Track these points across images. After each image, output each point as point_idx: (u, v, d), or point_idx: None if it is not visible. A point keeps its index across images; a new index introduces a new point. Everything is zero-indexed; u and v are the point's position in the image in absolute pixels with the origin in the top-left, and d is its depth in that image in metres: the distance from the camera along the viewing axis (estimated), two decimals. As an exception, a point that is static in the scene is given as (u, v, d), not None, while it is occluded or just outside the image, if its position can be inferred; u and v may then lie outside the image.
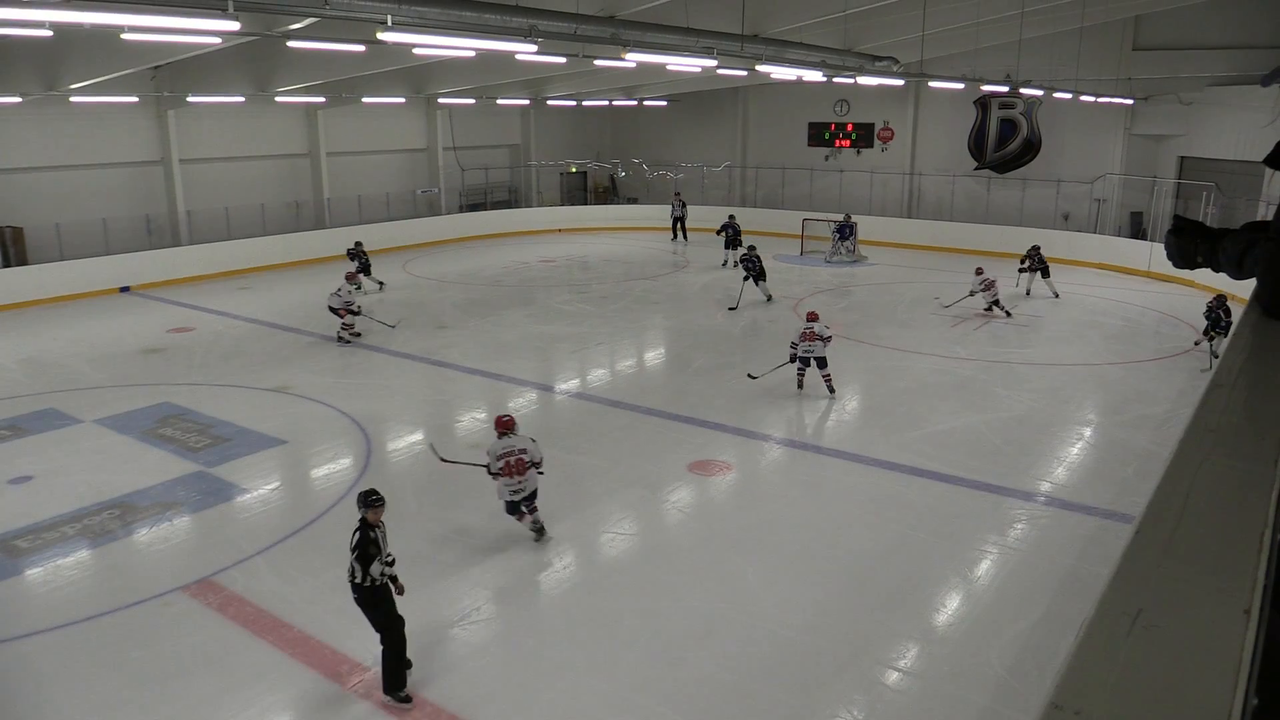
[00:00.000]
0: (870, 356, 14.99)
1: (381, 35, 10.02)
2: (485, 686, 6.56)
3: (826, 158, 30.05)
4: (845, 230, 24.50)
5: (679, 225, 28.20)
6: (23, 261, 21.63)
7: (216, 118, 25.13)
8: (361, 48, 15.57)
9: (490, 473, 8.44)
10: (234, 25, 8.67)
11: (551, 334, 16.99)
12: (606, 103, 31.93)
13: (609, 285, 21.51)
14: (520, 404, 13.20)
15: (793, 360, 12.89)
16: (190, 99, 22.75)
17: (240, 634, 7.26)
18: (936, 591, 7.88)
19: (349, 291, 16.64)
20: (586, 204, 34.13)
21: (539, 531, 8.72)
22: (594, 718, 6.25)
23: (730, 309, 18.46)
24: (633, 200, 33.28)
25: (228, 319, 18.93)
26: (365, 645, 7.00)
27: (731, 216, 24.12)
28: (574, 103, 31.59)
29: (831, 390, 12.76)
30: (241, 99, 23.15)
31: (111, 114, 22.98)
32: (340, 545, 8.74)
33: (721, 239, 23.60)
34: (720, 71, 17.07)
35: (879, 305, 19.15)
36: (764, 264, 18.95)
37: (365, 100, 25.61)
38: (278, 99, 23.92)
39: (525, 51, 12.21)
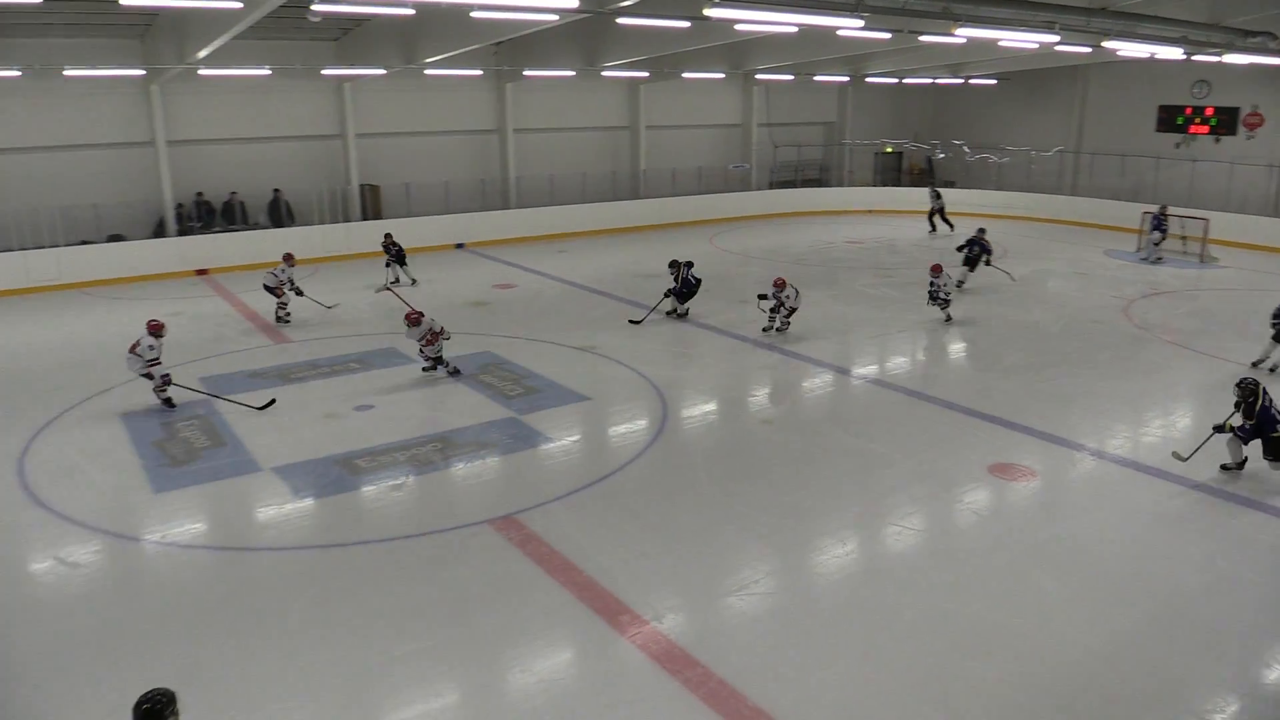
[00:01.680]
0: (1210, 370, 13.40)
1: (708, 11, 10.19)
2: (757, 658, 6.60)
3: (1178, 145, 27.01)
4: (1159, 221, 21.91)
5: (938, 217, 26.41)
6: (378, 215, 24.34)
7: (547, 91, 26.77)
8: (686, 24, 15.93)
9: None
10: (572, 3, 9.14)
11: (852, 316, 16.67)
12: (929, 81, 30.66)
13: (917, 271, 20.72)
14: (814, 384, 13.08)
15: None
16: (526, 73, 24.42)
17: (534, 571, 7.78)
18: (1270, 642, 6.94)
19: (283, 270, 16.25)
20: (900, 185, 33.04)
21: (454, 372, 12.98)
22: (865, 711, 6.11)
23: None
24: (949, 184, 31.80)
25: (546, 279, 20.24)
26: (647, 598, 7.28)
27: (981, 230, 19.62)
28: (894, 80, 30.61)
29: None
30: (571, 73, 24.51)
31: (458, 87, 25.14)
32: (632, 501, 9.17)
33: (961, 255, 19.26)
34: (1059, 48, 15.83)
35: (1225, 314, 17.05)
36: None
37: (685, 75, 26.23)
38: (604, 74, 25.08)
39: (850, 27, 11.95)
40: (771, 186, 31.44)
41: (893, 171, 33.99)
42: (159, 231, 21.80)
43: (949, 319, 16.07)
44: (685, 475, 9.89)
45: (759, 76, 29.07)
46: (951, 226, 25.97)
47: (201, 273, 20.94)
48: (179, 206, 21.99)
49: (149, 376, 11.76)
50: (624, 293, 18.48)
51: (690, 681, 6.31)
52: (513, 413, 11.60)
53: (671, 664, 6.51)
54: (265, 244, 21.57)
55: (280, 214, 23.02)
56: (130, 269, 20.38)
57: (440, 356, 12.95)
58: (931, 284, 15.96)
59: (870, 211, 30.10)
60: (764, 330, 15.24)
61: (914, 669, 6.49)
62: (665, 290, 16.30)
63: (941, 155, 32.90)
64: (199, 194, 22.23)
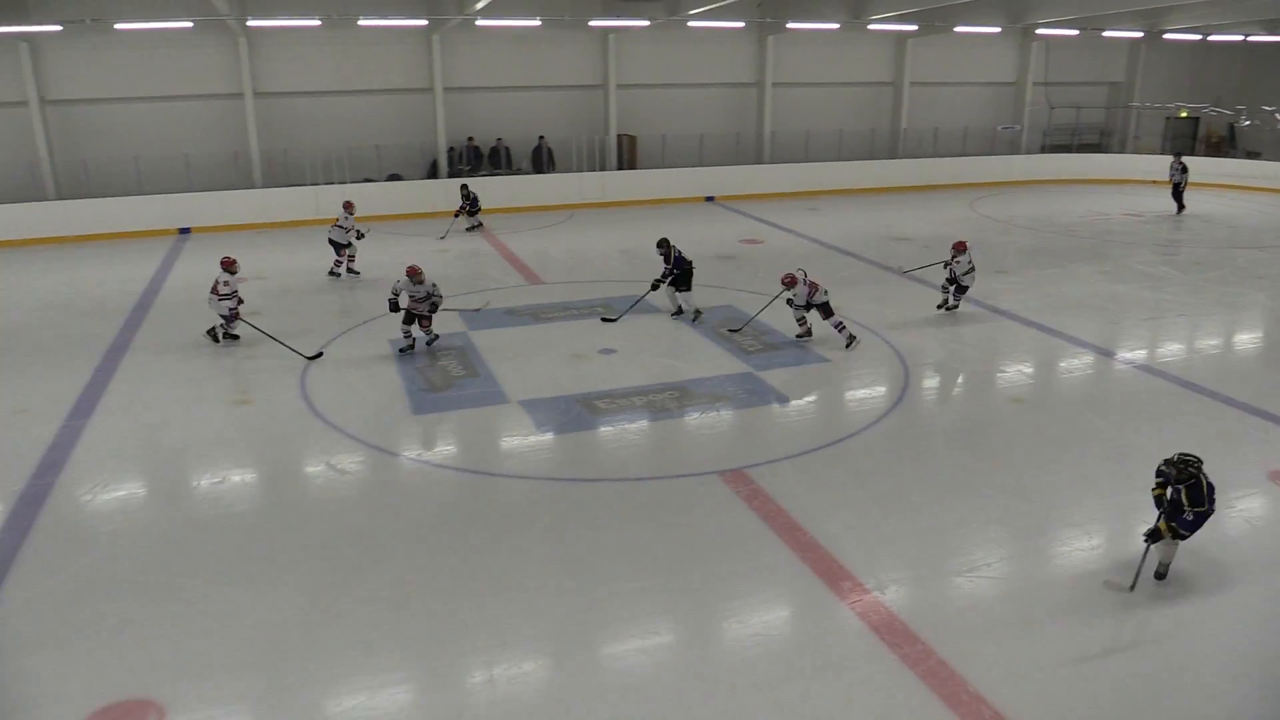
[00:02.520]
0: None
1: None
2: (981, 644, 6.31)
3: None
4: None
5: (1179, 193, 22.73)
6: (633, 165, 24.87)
7: (809, 44, 26.21)
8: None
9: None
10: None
11: (1124, 295, 15.35)
12: (1240, 38, 27.40)
13: (1204, 250, 18.79)
14: (1072, 365, 12.19)
15: None
16: (789, 25, 23.98)
17: (760, 526, 7.80)
18: None
19: (347, 219, 16.08)
20: (1194, 155, 29.93)
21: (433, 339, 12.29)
22: (1104, 713, 5.71)
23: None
24: (1254, 155, 28.44)
25: (794, 236, 20.02)
26: (871, 567, 7.13)
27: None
28: (1197, 36, 27.58)
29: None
30: (835, 26, 23.83)
31: (719, 39, 25.12)
32: (863, 468, 8.97)
33: None
34: None
35: None
36: None
37: (957, 29, 24.87)
38: (870, 27, 24.21)
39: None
40: (1044, 151, 29.37)
41: (1186, 139, 30.75)
42: (432, 173, 23.39)
43: (950, 307, 14.02)
44: (921, 447, 9.54)
45: (1039, 31, 27.09)
46: (1181, 207, 22.80)
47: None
48: (450, 150, 23.47)
49: (225, 317, 12.43)
50: (874, 255, 17.98)
51: (908, 657, 6.14)
52: (750, 368, 11.61)
53: (891, 636, 6.35)
54: (526, 188, 22.69)
55: (542, 161, 24.06)
56: (405, 206, 22.03)
57: (419, 321, 12.05)
58: (947, 265, 13.76)
59: (1157, 183, 27.46)
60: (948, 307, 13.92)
61: (1149, 687, 5.99)
62: (654, 281, 13.51)
63: (1246, 123, 29.41)
64: (470, 139, 23.61)
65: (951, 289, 13.86)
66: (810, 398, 10.98)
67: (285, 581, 7.16)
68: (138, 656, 6.31)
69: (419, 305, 11.93)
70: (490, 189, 22.43)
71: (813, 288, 12.16)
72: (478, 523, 8.02)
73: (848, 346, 12.28)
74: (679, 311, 13.66)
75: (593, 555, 7.44)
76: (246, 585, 7.13)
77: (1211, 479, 6.83)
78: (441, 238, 19.68)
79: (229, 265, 12.48)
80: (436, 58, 22.72)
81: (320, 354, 12.22)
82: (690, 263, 13.45)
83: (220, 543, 7.76)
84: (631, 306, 13.86)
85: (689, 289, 13.46)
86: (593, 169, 24.37)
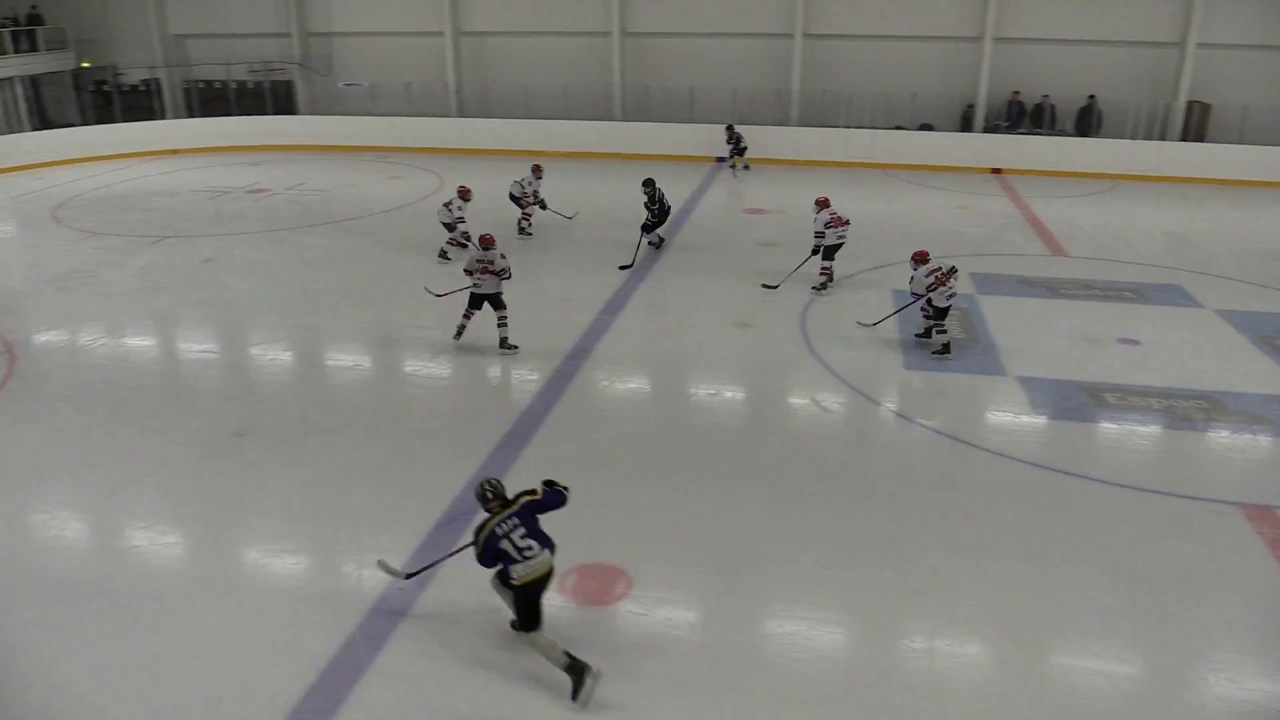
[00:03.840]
0: None
1: None
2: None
3: None
4: None
5: None
6: (1199, 138, 21.77)
7: None
8: None
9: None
10: None
11: None
12: None
13: None
14: None
15: None
16: None
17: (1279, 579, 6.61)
18: None
19: (529, 182, 15.31)
20: None
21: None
22: None
23: None
24: None
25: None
26: None
27: None
28: None
29: None
30: None
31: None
32: None
33: None
34: None
35: None
36: None
37: None
38: None
39: None
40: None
41: None
42: (964, 125, 22.51)
43: (933, 340, 10.54)
44: None
45: None
46: None
47: (996, 171, 21.19)
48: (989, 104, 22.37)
49: (449, 228, 13.91)
50: None
51: None
52: (1307, 392, 9.75)
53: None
54: (1067, 151, 20.93)
55: (1089, 123, 21.98)
56: (931, 158, 21.53)
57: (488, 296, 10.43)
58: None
59: None
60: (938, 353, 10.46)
61: None
62: (644, 224, 14.09)
63: None
64: (1015, 93, 22.26)
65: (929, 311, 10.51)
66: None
67: (751, 498, 7.58)
68: (618, 530, 7.12)
69: (484, 280, 10.33)
70: (1025, 148, 21.05)
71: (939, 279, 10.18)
72: (945, 490, 7.77)
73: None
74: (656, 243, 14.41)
75: (1062, 554, 6.85)
76: (721, 491, 7.66)
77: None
78: (737, 167, 20.50)
79: (464, 193, 14.03)
80: (992, 6, 21.61)
81: (453, 291, 11.18)
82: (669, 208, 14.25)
83: (705, 448, 8.41)
84: (792, 271, 12.89)
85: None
86: (1149, 137, 21.75)
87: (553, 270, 13.57)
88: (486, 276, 10.29)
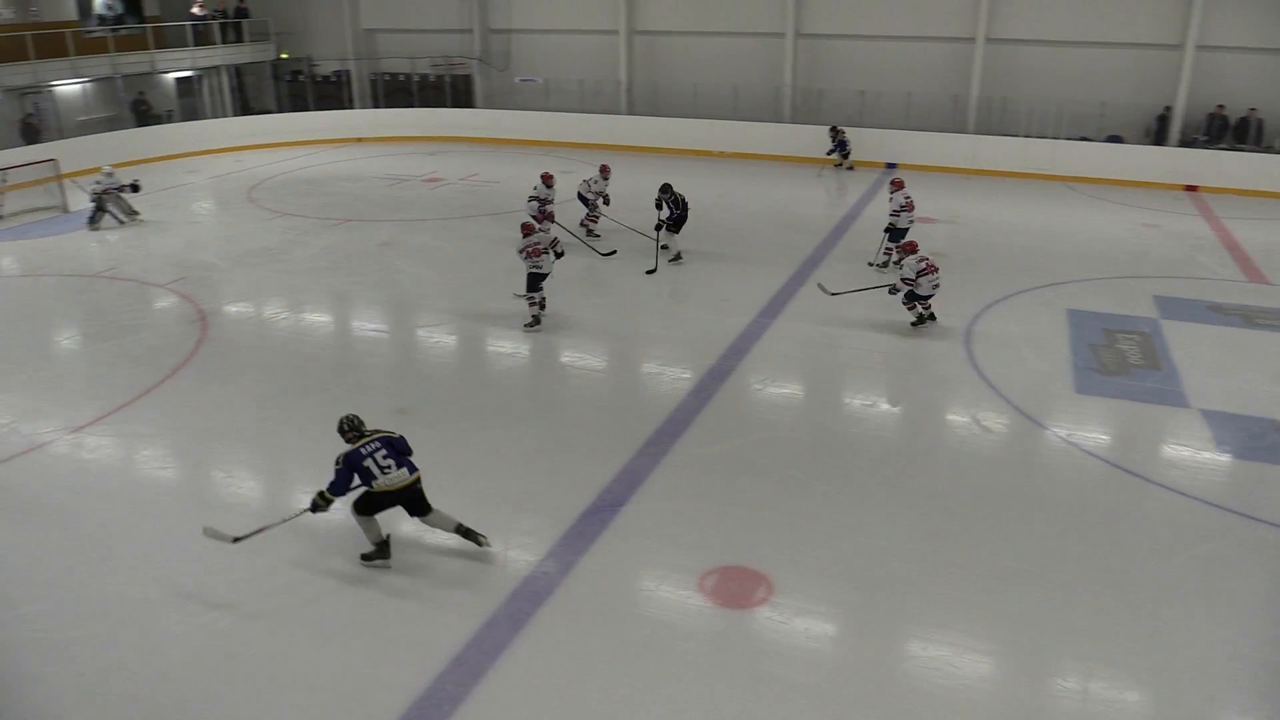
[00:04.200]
0: None
1: None
2: None
3: None
4: None
5: None
6: None
7: None
8: None
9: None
10: None
11: None
12: None
13: None
14: None
15: None
16: None
17: None
18: None
19: (595, 182, 14.98)
20: None
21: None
22: None
23: None
24: None
25: None
26: None
27: None
28: None
29: None
30: None
31: None
32: None
33: None
34: None
35: None
36: None
37: None
38: None
39: None
40: None
41: None
42: (1158, 139, 21.13)
43: (920, 320, 11.30)
44: None
45: None
46: None
47: (1191, 189, 19.81)
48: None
49: (586, 202, 14.46)
50: None
51: None
52: None
53: None
54: (1274, 169, 19.36)
55: (1303, 140, 20.23)
56: (1118, 171, 20.29)
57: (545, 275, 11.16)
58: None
59: None
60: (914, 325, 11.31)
61: None
62: (658, 223, 13.65)
63: None
64: (1219, 107, 20.74)
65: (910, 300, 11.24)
66: None
67: (900, 515, 7.34)
68: (762, 535, 7.04)
69: (534, 256, 10.97)
70: (1225, 166, 19.58)
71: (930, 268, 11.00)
72: (1112, 524, 7.31)
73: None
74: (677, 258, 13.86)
75: (1238, 605, 6.34)
76: (871, 506, 7.47)
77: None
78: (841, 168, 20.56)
79: (547, 179, 14.32)
80: (1196, 11, 20.18)
81: (614, 252, 14.13)
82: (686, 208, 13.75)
83: (857, 460, 8.22)
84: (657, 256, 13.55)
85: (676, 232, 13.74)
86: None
87: (713, 269, 13.54)
88: (542, 256, 11.04)
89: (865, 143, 21.63)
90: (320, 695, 5.49)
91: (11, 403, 9.52)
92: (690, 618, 6.12)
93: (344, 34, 27.31)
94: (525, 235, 11.06)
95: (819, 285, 12.24)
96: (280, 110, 26.64)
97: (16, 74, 20.92)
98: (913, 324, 11.30)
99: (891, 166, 21.28)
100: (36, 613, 6.29)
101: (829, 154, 21.19)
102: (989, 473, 8.13)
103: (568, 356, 10.77)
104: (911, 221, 13.31)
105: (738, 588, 6.42)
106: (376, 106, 26.69)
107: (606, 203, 15.27)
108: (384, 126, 25.39)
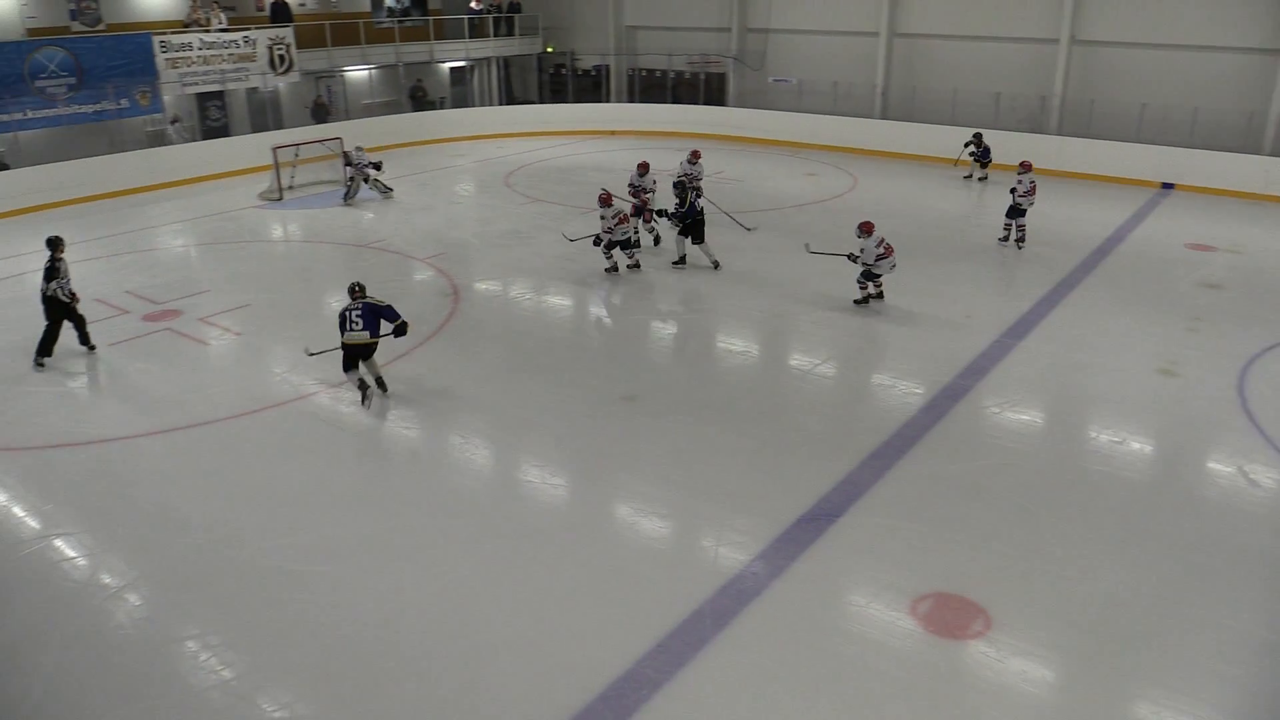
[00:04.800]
0: None
1: None
2: None
3: None
4: None
5: None
6: None
7: None
8: None
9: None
10: None
11: None
12: None
13: None
14: None
15: None
16: None
17: None
18: None
19: (687, 164, 15.57)
20: None
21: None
22: None
23: None
24: None
25: None
26: None
27: None
28: None
29: None
30: None
31: None
32: None
33: None
34: None
35: None
36: None
37: None
38: None
39: None
40: None
41: None
42: None
43: (865, 299, 11.83)
44: None
45: None
46: None
47: None
48: None
49: (681, 187, 13.74)
50: None
51: None
52: None
53: None
54: None
55: None
56: None
57: (627, 239, 13.12)
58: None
59: None
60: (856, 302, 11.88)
61: None
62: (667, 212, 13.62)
63: None
64: None
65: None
66: None
67: (1143, 564, 6.75)
68: (985, 565, 6.68)
69: (624, 224, 13.09)
70: None
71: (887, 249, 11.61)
72: None
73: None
74: (681, 261, 13.74)
75: None
76: (1111, 549, 6.92)
77: None
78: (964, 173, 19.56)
79: (643, 168, 14.53)
80: None
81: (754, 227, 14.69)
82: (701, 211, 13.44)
83: (1095, 496, 7.64)
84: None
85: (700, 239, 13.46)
86: None
87: (958, 284, 12.95)
88: (626, 224, 13.10)
89: (1140, 160, 19.99)
90: (530, 661, 5.74)
91: (285, 355, 10.56)
92: (899, 641, 5.90)
93: (607, 30, 28.26)
94: (605, 205, 12.97)
95: (805, 246, 13.07)
96: (541, 101, 27.98)
97: (315, 59, 23.16)
98: (856, 301, 11.95)
99: (1168, 187, 19.56)
100: (287, 545, 6.96)
101: (972, 160, 20.10)
102: (1252, 532, 7.31)
103: (798, 360, 10.67)
104: (1031, 204, 14.41)
105: (953, 617, 6.13)
106: (632, 101, 27.46)
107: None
108: (638, 121, 26.08)
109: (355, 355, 9.04)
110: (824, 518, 7.20)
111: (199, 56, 20.61)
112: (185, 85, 20.63)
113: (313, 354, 9.54)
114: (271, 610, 6.23)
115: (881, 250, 11.56)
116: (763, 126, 24.95)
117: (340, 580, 6.53)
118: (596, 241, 13.07)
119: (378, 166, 18.03)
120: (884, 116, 24.13)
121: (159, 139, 20.72)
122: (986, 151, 19.98)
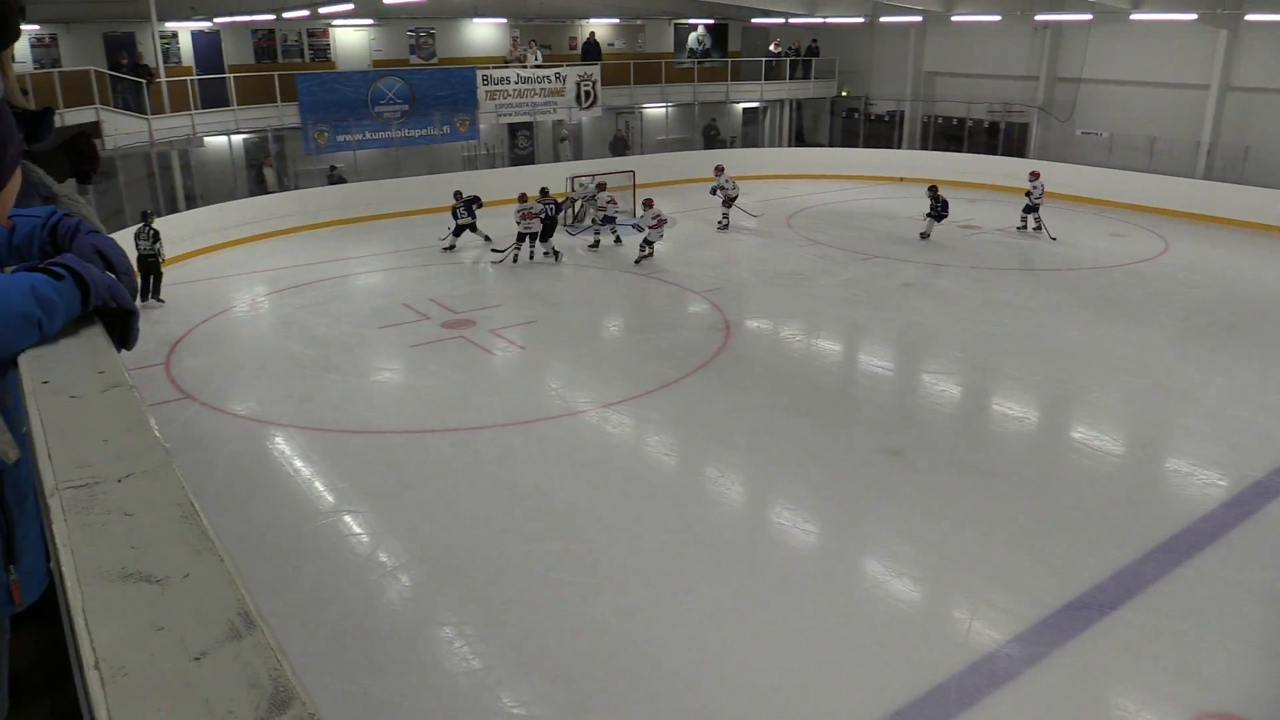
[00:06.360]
0: None
1: None
2: None
3: None
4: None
5: None
6: None
7: None
8: None
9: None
10: None
11: None
12: None
13: None
14: None
15: None
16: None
17: None
18: None
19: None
20: None
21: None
22: None
23: None
24: None
25: None
26: None
27: None
28: None
29: None
30: None
31: None
32: None
33: None
34: None
35: None
36: None
37: None
38: None
39: None
40: None
41: None
42: None
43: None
44: None
45: None
46: None
47: None
48: None
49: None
50: None
51: None
52: None
53: None
54: None
55: None
56: None
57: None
58: None
59: None
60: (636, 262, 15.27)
61: None
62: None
63: None
64: None
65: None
66: None
67: None
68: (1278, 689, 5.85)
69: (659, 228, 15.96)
70: None
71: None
72: None
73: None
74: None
75: None
76: None
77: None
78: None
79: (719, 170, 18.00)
80: None
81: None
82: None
83: None
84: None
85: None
86: None
87: (1258, 363, 11.52)
88: (660, 228, 15.87)
89: None
90: (763, 703, 5.67)
91: (561, 371, 11.17)
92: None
93: (905, 75, 27.72)
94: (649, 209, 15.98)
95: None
96: (832, 144, 27.87)
97: (617, 96, 24.43)
98: (636, 261, 15.92)
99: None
100: (544, 551, 7.31)
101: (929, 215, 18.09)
102: None
103: (1079, 433, 9.90)
104: (1041, 201, 18.14)
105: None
106: (925, 148, 26.75)
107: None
108: (929, 169, 25.28)
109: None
110: (1095, 608, 6.60)
111: (515, 90, 22.38)
112: (500, 115, 22.48)
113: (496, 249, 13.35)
114: (523, 611, 6.56)
115: (655, 221, 15.78)
116: (1064, 181, 23.41)
117: (588, 591, 6.77)
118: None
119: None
120: (1206, 176, 21.99)
121: (472, 163, 22.65)
122: (944, 204, 18.50)
